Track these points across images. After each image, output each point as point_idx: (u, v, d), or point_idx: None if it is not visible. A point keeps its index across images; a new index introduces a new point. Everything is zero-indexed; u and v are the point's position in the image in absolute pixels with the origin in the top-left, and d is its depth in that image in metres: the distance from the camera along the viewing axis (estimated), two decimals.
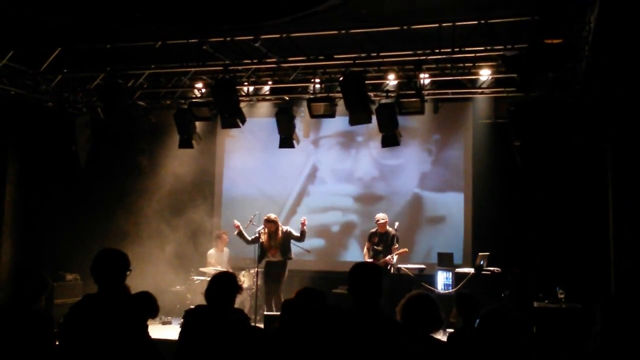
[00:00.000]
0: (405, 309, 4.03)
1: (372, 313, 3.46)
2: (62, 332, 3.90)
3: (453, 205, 11.37)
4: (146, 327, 4.11)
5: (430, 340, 3.97)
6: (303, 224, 10.15)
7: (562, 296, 8.56)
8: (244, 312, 4.65)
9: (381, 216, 10.24)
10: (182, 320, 4.55)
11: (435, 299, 4.14)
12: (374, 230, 10.32)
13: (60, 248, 11.63)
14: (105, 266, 3.86)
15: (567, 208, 10.19)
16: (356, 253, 11.35)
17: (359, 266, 3.67)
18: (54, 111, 10.75)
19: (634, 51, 7.21)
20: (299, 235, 10.20)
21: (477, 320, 3.98)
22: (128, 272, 3.92)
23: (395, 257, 9.99)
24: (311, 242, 11.13)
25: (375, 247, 10.18)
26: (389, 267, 9.93)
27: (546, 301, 8.62)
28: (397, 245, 10.07)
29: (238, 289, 4.44)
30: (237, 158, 12.60)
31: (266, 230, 10.16)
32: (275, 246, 10.14)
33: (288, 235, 10.22)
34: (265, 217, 10.20)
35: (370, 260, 10.01)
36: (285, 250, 10.20)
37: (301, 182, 12.26)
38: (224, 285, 4.42)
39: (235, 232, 10.34)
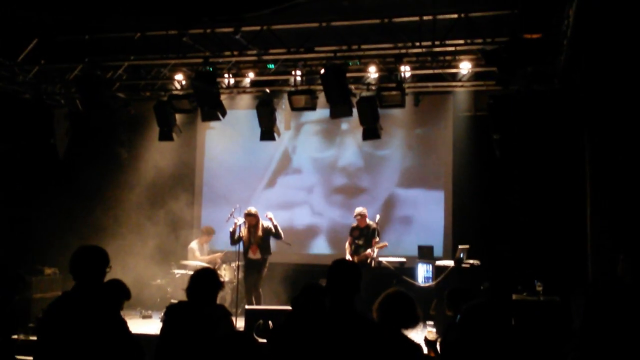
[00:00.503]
0: (382, 306, 4.00)
1: (347, 312, 3.45)
2: (40, 328, 3.86)
3: (433, 198, 11.41)
4: (125, 322, 4.09)
5: (402, 339, 3.93)
6: (271, 219, 10.04)
7: (540, 289, 8.62)
8: (225, 308, 4.64)
9: (359, 210, 10.21)
10: (163, 315, 4.54)
11: (412, 296, 4.11)
12: (354, 224, 10.31)
13: (38, 242, 11.49)
14: (84, 263, 3.82)
15: (545, 201, 10.28)
16: (338, 246, 11.32)
17: (338, 264, 3.65)
18: (32, 103, 10.60)
19: (612, 44, 7.28)
20: (275, 232, 10.04)
21: (459, 316, 3.99)
22: (108, 269, 3.88)
23: (376, 251, 10.00)
24: (291, 234, 11.13)
25: (357, 241, 10.17)
26: (369, 261, 9.95)
27: (524, 294, 8.68)
28: (377, 239, 10.05)
29: (220, 285, 4.44)
30: (218, 150, 12.53)
31: (247, 225, 10.05)
32: (255, 242, 9.98)
33: (268, 231, 10.08)
34: (246, 211, 10.00)
35: (350, 256, 10.07)
36: (265, 247, 10.06)
37: (275, 172, 12.24)
38: (205, 282, 4.41)
39: (231, 229, 9.99)
